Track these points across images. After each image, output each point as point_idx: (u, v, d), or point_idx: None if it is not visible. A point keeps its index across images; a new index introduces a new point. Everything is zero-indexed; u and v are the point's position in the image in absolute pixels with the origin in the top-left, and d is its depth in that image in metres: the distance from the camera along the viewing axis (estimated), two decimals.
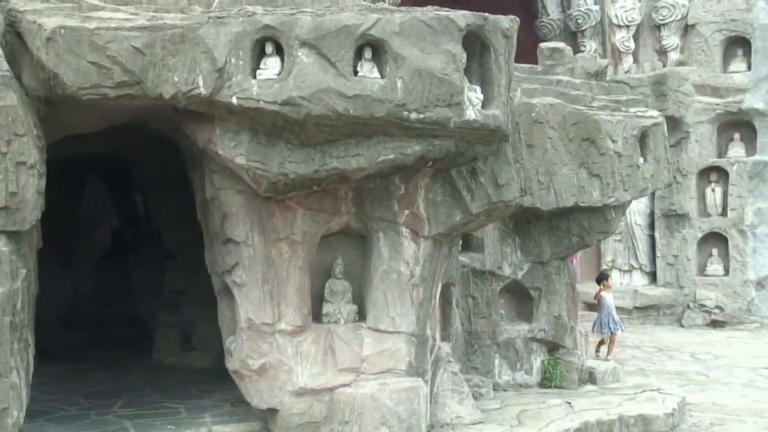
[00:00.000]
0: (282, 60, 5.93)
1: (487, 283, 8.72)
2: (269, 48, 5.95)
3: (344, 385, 6.74)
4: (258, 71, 5.94)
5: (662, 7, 17.12)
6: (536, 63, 9.83)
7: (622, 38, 17.46)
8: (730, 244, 16.08)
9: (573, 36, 18.00)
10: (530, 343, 9.04)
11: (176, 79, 5.87)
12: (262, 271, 6.68)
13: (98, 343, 11.26)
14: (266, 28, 5.90)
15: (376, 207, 6.71)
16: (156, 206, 10.60)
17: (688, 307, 16.22)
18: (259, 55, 5.98)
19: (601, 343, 10.85)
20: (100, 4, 6.23)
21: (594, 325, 10.94)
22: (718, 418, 8.49)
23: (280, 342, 6.70)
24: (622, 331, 11.01)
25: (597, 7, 17.71)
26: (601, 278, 11.30)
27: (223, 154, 6.13)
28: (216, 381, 8.41)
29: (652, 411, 8.11)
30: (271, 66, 5.92)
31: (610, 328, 10.72)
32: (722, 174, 16.35)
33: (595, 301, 11.27)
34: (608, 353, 10.68)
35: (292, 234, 6.62)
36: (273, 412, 6.84)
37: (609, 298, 11.02)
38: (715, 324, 15.71)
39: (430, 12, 6.08)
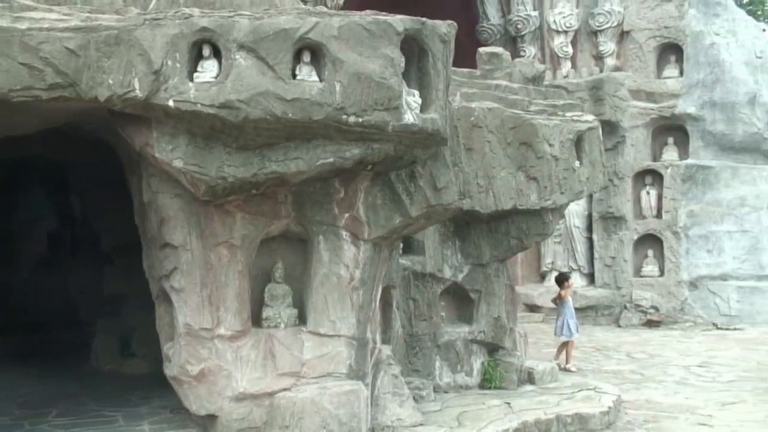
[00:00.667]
0: (220, 63, 5.87)
1: (428, 286, 8.76)
2: (206, 51, 5.88)
3: (284, 390, 6.70)
4: (195, 74, 5.87)
5: (599, 14, 17.45)
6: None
7: (560, 44, 17.75)
8: (664, 245, 16.45)
9: (513, 41, 18.23)
10: (470, 345, 9.11)
11: (111, 82, 5.76)
12: (200, 275, 6.60)
13: (33, 349, 11.00)
14: (203, 31, 5.84)
15: (316, 210, 6.69)
16: (93, 209, 10.41)
17: (625, 307, 16.55)
18: (196, 57, 5.91)
19: (563, 346, 10.96)
20: (32, 4, 6.09)
21: (557, 329, 11.02)
22: (651, 415, 8.66)
23: (219, 347, 6.63)
24: (574, 336, 11.12)
25: (536, 13, 17.97)
26: (562, 279, 11.36)
27: (160, 158, 6.04)
28: (155, 388, 8.28)
29: (588, 409, 8.23)
30: (208, 69, 5.86)
31: (571, 331, 10.84)
32: (657, 177, 16.74)
33: (556, 304, 11.34)
34: (567, 360, 10.80)
35: (231, 238, 6.56)
36: (212, 418, 6.75)
37: (570, 300, 11.13)
38: (650, 324, 16.05)
39: (368, 16, 6.08)
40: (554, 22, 17.71)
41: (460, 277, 8.97)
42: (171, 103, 5.77)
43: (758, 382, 10.30)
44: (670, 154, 16.74)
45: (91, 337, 10.31)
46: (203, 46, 5.88)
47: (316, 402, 6.52)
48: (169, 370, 6.92)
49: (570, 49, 17.78)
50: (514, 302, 9.85)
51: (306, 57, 5.93)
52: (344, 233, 6.74)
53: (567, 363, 10.75)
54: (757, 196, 16.61)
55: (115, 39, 5.76)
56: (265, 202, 6.55)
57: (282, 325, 6.85)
